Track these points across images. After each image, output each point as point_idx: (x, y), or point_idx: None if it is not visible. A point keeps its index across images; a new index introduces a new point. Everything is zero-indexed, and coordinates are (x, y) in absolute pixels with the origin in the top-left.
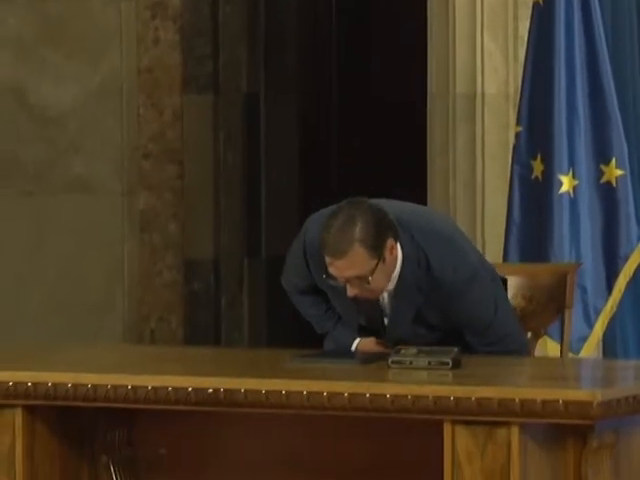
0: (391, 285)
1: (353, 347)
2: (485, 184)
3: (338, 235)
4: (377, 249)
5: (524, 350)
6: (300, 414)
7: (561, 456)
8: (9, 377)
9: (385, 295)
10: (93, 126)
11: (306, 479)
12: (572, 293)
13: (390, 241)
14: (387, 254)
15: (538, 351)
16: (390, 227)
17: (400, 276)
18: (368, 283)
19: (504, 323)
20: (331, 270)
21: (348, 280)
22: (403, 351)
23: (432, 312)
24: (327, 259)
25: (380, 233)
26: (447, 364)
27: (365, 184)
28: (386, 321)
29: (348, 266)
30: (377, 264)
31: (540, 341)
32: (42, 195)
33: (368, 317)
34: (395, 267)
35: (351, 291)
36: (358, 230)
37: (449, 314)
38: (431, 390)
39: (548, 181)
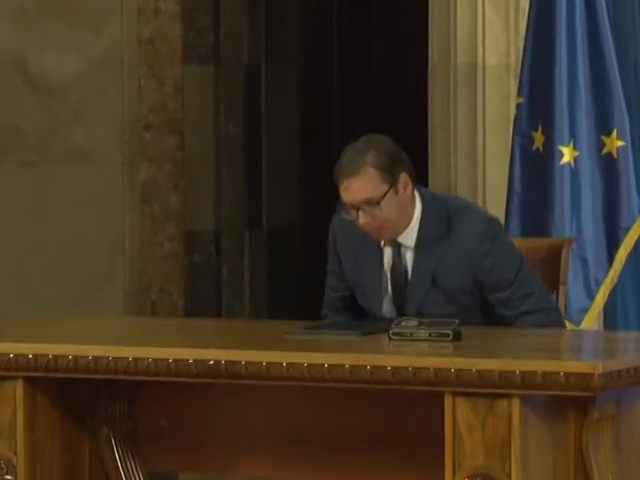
0: (411, 240)
1: None
2: (486, 155)
3: (352, 158)
4: (389, 175)
5: (556, 311)
6: (301, 386)
7: (562, 428)
8: (10, 349)
9: (407, 256)
10: (94, 97)
11: (307, 451)
12: (567, 268)
13: (404, 176)
14: (400, 187)
15: None
16: (405, 162)
17: (420, 229)
18: (379, 209)
19: (529, 282)
20: (344, 197)
21: (360, 206)
22: (404, 323)
23: (452, 272)
24: (341, 184)
25: (394, 162)
26: (447, 336)
27: None
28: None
29: (359, 187)
30: (388, 190)
31: None
32: (43, 166)
33: (393, 285)
34: (410, 209)
35: (363, 218)
36: (371, 154)
37: (470, 272)
38: (432, 362)
39: (549, 152)
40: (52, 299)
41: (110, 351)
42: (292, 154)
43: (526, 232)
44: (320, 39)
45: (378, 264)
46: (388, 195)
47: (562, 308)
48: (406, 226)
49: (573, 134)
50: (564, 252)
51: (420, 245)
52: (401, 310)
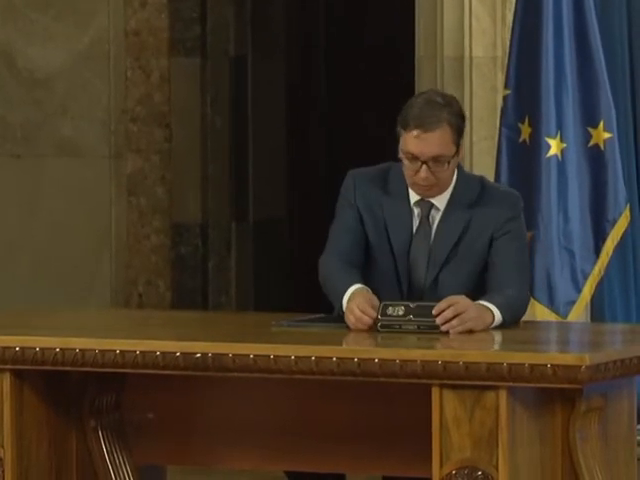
0: (442, 202)
1: (346, 296)
2: (473, 147)
3: (429, 109)
4: (459, 137)
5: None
6: (288, 379)
7: (549, 420)
8: None
9: (435, 218)
10: (81, 89)
11: (295, 443)
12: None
13: (463, 141)
14: (460, 150)
15: (526, 315)
16: (465, 123)
17: (453, 193)
18: (444, 168)
19: (525, 274)
20: (412, 147)
21: (426, 160)
22: (390, 309)
23: (476, 237)
24: (413, 133)
25: (462, 125)
26: (437, 328)
27: (354, 148)
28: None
29: (434, 142)
30: (456, 152)
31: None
32: (30, 158)
33: (414, 257)
34: (452, 179)
35: (425, 172)
36: (448, 112)
37: (489, 235)
38: (419, 354)
39: (536, 144)
40: (39, 292)
41: (97, 344)
42: (279, 146)
43: None
44: (308, 30)
45: (409, 222)
46: (455, 156)
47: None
48: (446, 189)
49: (560, 126)
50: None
51: (450, 208)
52: (416, 276)
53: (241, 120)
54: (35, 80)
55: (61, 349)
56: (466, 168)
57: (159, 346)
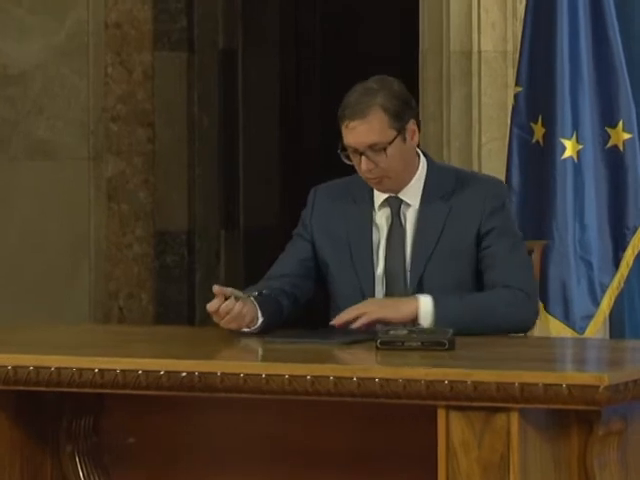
0: (415, 197)
1: None
2: (481, 149)
3: (360, 97)
4: (398, 120)
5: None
6: (281, 399)
7: (565, 445)
8: None
9: (409, 216)
10: (57, 86)
11: (288, 471)
12: (537, 275)
13: (412, 123)
14: (408, 135)
15: (539, 330)
16: (414, 108)
17: (425, 186)
18: (385, 155)
19: (522, 256)
20: (348, 139)
21: (364, 151)
22: (392, 332)
23: (459, 229)
24: (346, 123)
25: (404, 107)
26: (443, 344)
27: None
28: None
29: (366, 130)
30: (396, 137)
31: (542, 319)
32: (2, 161)
33: (391, 261)
34: (414, 161)
35: (365, 164)
36: (382, 96)
37: (474, 226)
38: (423, 373)
39: (550, 145)
40: (12, 306)
41: (74, 362)
42: (272, 148)
43: (525, 233)
44: (302, 22)
45: (369, 230)
46: (395, 142)
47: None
48: (408, 180)
49: (576, 126)
50: (535, 257)
51: (425, 203)
52: (395, 282)
53: (231, 119)
54: (8, 77)
55: (35, 367)
56: (474, 171)
57: (141, 364)
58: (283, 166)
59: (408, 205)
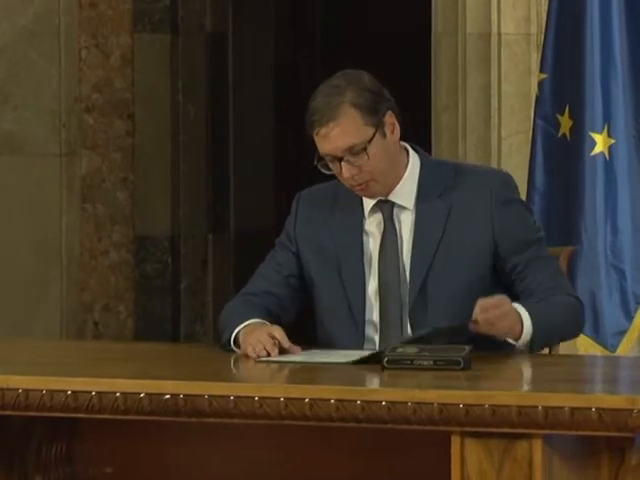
0: (408, 199)
1: (235, 331)
2: (502, 143)
3: (327, 98)
4: (373, 114)
5: (581, 306)
6: (276, 425)
7: (594, 475)
8: None
9: (403, 219)
10: (25, 72)
11: None
12: None
13: (390, 116)
14: (387, 130)
15: (566, 347)
16: (388, 99)
17: (420, 185)
18: (367, 157)
19: (548, 257)
20: (323, 147)
21: (342, 156)
22: (400, 349)
23: (463, 231)
24: (317, 130)
25: (377, 100)
26: (457, 363)
27: None
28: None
29: (340, 133)
30: (375, 133)
31: None
32: None
33: (385, 273)
34: (400, 157)
35: (347, 171)
36: (350, 92)
37: (483, 229)
38: (436, 396)
39: (578, 140)
40: None
41: (44, 383)
42: (265, 141)
43: (550, 237)
44: (298, 2)
45: (359, 241)
46: (374, 140)
47: None
48: (398, 180)
49: (607, 118)
50: (561, 265)
51: (422, 202)
52: (391, 296)
53: (220, 110)
54: None
55: (0, 389)
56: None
57: (119, 386)
58: (278, 163)
59: (402, 208)
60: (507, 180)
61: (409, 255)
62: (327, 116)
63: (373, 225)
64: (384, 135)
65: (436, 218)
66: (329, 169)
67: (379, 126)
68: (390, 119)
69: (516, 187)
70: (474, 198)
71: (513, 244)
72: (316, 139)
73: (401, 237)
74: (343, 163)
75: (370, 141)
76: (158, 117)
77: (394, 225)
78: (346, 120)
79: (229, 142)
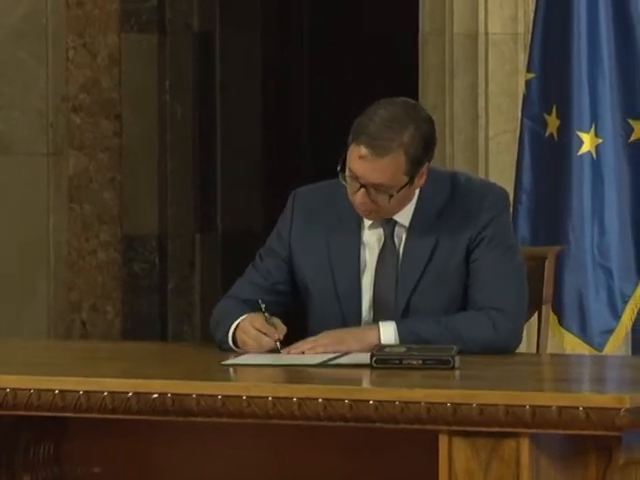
0: (406, 218)
1: (234, 325)
2: (489, 143)
3: (385, 129)
4: (415, 166)
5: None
6: (264, 424)
7: (581, 474)
8: None
9: (400, 236)
10: (12, 72)
11: None
12: (551, 284)
13: (426, 166)
14: (417, 179)
15: (553, 347)
16: (433, 150)
17: (417, 207)
18: (386, 199)
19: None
20: (354, 165)
21: (366, 185)
22: (388, 349)
23: (451, 241)
24: (359, 149)
25: (425, 153)
26: (446, 363)
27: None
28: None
29: (378, 168)
30: (407, 184)
31: (556, 334)
32: None
33: (381, 289)
34: (413, 195)
35: (361, 197)
36: (408, 135)
37: (466, 237)
38: (423, 395)
39: (565, 139)
40: None
41: (32, 382)
42: (253, 141)
43: (537, 237)
44: (285, 2)
45: (356, 252)
46: (404, 188)
47: (548, 332)
48: (401, 209)
49: (594, 118)
50: (548, 265)
51: (416, 222)
52: (385, 312)
53: (207, 110)
54: None
55: None
56: (480, 168)
57: (107, 385)
58: (266, 161)
59: (403, 226)
60: (497, 197)
61: (399, 271)
62: (378, 148)
63: (373, 237)
64: (412, 184)
65: (427, 237)
66: (346, 181)
67: (414, 176)
68: (424, 170)
69: (505, 203)
70: (464, 218)
71: (475, 254)
72: (353, 151)
73: (399, 254)
74: (362, 190)
75: (399, 190)
76: (145, 117)
77: (394, 242)
78: (390, 161)
79: (216, 142)
